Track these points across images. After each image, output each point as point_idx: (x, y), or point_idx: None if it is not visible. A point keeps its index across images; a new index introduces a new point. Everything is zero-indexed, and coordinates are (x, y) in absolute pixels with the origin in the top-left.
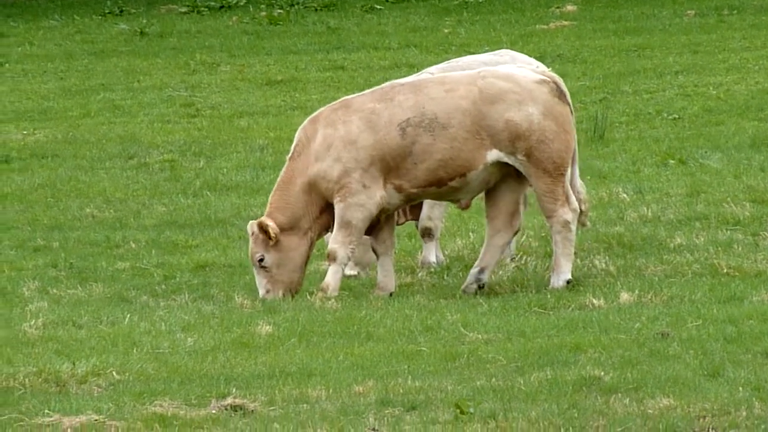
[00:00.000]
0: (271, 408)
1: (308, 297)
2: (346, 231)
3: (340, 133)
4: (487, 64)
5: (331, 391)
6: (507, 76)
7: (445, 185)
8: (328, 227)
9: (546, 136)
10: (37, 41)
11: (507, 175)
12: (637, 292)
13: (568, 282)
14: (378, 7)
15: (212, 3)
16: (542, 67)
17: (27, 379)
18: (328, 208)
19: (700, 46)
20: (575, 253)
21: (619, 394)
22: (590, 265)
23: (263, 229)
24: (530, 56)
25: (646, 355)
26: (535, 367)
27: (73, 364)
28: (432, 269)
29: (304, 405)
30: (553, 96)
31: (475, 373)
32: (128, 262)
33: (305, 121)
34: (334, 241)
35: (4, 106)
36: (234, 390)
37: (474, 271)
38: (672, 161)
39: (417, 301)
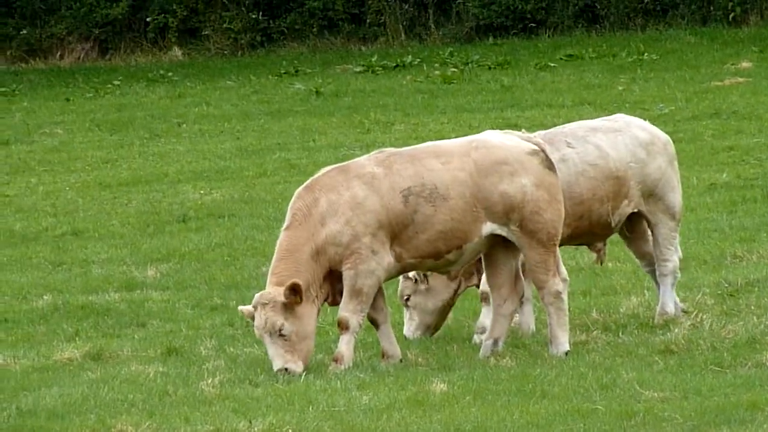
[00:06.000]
0: None
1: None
2: (357, 299)
3: (345, 198)
4: (597, 130)
5: None
6: (499, 147)
7: (442, 257)
8: (327, 296)
9: (539, 206)
10: (213, 102)
11: (502, 243)
12: None
13: (566, 353)
14: (552, 64)
15: (387, 62)
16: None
17: None
18: (329, 277)
19: None
20: (752, 311)
21: None
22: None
23: (296, 290)
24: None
25: None
26: (712, 425)
27: (250, 422)
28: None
29: None
30: (544, 167)
31: None
32: None
33: (299, 190)
34: (345, 309)
35: (181, 166)
36: None
37: (488, 342)
38: None
39: (592, 359)
